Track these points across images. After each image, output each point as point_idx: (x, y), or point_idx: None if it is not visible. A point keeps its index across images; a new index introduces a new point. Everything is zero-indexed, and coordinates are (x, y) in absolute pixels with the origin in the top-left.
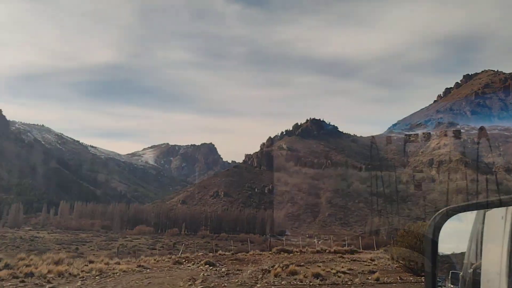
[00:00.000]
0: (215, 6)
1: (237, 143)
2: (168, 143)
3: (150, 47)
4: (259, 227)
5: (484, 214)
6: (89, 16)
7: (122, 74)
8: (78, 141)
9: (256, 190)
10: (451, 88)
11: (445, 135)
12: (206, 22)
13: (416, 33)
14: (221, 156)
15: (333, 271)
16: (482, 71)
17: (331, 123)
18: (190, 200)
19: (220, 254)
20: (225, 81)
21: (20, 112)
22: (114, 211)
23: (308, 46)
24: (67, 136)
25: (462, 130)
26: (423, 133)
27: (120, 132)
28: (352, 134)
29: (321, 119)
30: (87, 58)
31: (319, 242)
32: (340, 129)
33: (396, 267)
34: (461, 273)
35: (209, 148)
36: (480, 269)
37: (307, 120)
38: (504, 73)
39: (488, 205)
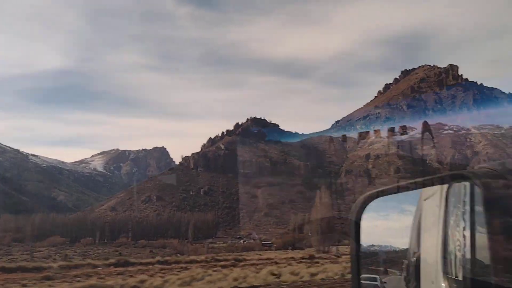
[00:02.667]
0: (165, 7)
1: (191, 146)
2: (118, 149)
3: (100, 51)
4: (186, 231)
5: (422, 203)
6: (34, 21)
7: (71, 80)
8: (18, 150)
9: (191, 192)
10: (390, 84)
11: (381, 130)
12: (157, 24)
13: (365, 32)
14: (173, 160)
15: None
16: (419, 67)
17: (272, 122)
18: (120, 207)
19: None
20: (179, 84)
21: None
22: (32, 222)
23: (262, 47)
24: (5, 145)
25: (398, 124)
26: (361, 129)
27: (69, 140)
28: (294, 132)
29: (263, 118)
30: (33, 64)
31: (244, 242)
32: (283, 128)
33: None
34: (406, 261)
35: (161, 152)
36: (420, 258)
37: (247, 119)
38: (439, 67)
39: (407, 188)
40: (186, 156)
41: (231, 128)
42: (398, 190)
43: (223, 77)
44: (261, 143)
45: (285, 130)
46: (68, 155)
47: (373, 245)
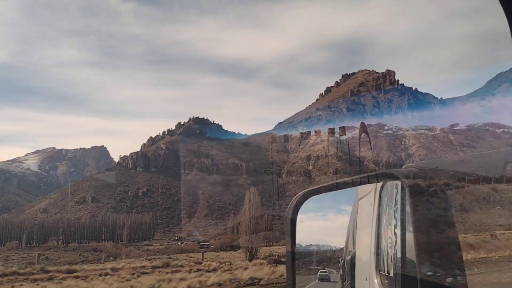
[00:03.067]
0: (108, 2)
1: (133, 146)
2: (54, 147)
3: (37, 45)
4: (122, 233)
5: (358, 202)
6: None
7: (4, 74)
8: None
9: (129, 193)
10: (331, 87)
11: (322, 132)
12: (99, 20)
13: (310, 36)
14: (114, 160)
15: None
16: (359, 71)
17: (215, 122)
18: (53, 208)
19: None
20: (121, 81)
21: None
22: None
23: (207, 47)
24: None
25: (338, 126)
26: (302, 131)
27: (1, 137)
28: (237, 132)
29: (205, 118)
30: None
31: (182, 244)
32: (226, 128)
33: None
34: (341, 260)
35: (101, 151)
36: (355, 255)
37: (189, 119)
38: (377, 72)
39: (337, 186)
40: (124, 156)
41: (173, 127)
42: (333, 188)
43: (167, 76)
44: (203, 143)
45: (228, 130)
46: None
47: (310, 245)
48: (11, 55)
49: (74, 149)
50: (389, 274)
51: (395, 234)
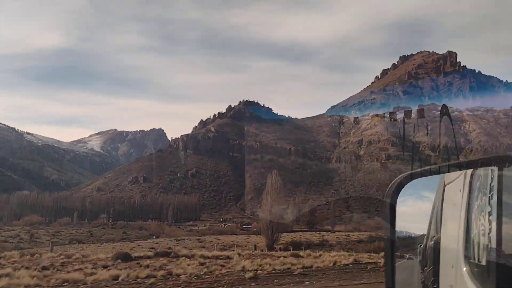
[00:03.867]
0: None
1: (188, 128)
2: (116, 129)
3: (100, 31)
4: (168, 213)
5: (444, 188)
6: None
7: (71, 59)
8: (13, 128)
9: (179, 174)
10: (388, 69)
11: (376, 116)
12: (158, 5)
13: (367, 17)
14: (171, 142)
15: None
16: (417, 53)
17: (265, 105)
18: (107, 187)
19: None
20: (178, 66)
21: None
22: (12, 200)
23: (262, 31)
24: (0, 123)
25: (393, 111)
26: (355, 115)
27: (68, 119)
28: (287, 116)
29: (256, 101)
30: (34, 43)
31: (225, 226)
32: (276, 111)
33: None
34: (421, 245)
35: (159, 134)
36: (440, 242)
37: (239, 102)
38: (437, 54)
39: (449, 169)
40: (176, 138)
41: (224, 111)
42: (435, 171)
43: (222, 61)
44: (252, 126)
45: (279, 114)
46: (66, 135)
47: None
48: (77, 41)
49: (134, 131)
50: (480, 262)
51: (489, 221)
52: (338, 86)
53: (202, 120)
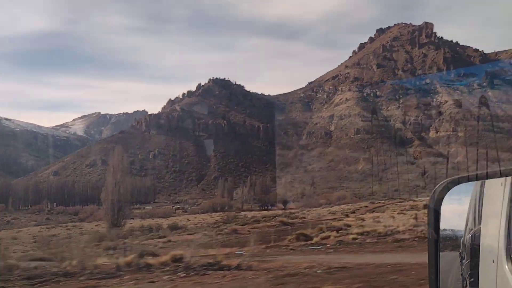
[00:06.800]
0: None
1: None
2: (99, 112)
3: (86, 12)
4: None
5: (485, 181)
6: None
7: (52, 42)
8: None
9: (140, 156)
10: (365, 43)
11: (349, 90)
12: None
13: None
14: (133, 123)
15: None
16: (394, 25)
17: (236, 83)
18: (64, 171)
19: None
20: (167, 46)
21: None
22: None
23: (252, 8)
24: None
25: (365, 85)
26: (328, 91)
27: (52, 103)
28: (260, 93)
29: (226, 78)
30: (15, 26)
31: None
32: (249, 89)
33: None
34: (461, 239)
35: (143, 116)
36: (479, 234)
37: (209, 80)
38: (413, 25)
39: (488, 176)
40: (140, 119)
41: (194, 89)
42: (480, 177)
43: (211, 39)
44: (222, 105)
45: (251, 91)
46: (49, 120)
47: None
48: (60, 23)
49: (117, 114)
50: None
51: None
52: (321, 63)
53: (170, 100)
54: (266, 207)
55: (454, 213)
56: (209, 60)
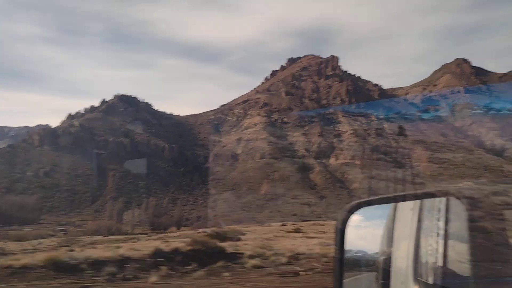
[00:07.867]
0: None
1: None
2: None
3: None
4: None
5: (396, 205)
6: None
7: None
8: None
9: (27, 173)
10: (277, 70)
11: (258, 115)
12: None
13: (275, 23)
14: (25, 137)
15: None
16: (304, 56)
17: (144, 101)
18: None
19: None
20: (78, 60)
21: None
22: None
23: (172, 28)
24: None
25: (273, 111)
26: (238, 114)
27: None
28: (168, 113)
29: (132, 96)
30: None
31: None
32: (157, 108)
33: None
34: (377, 260)
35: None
36: (391, 257)
37: (114, 96)
38: (321, 58)
39: (396, 199)
40: (32, 132)
41: (97, 105)
42: (386, 200)
43: (126, 56)
44: (125, 122)
45: (159, 110)
46: None
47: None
48: None
49: (18, 127)
50: (427, 281)
51: (437, 242)
52: (235, 87)
53: (70, 114)
54: (159, 230)
55: (361, 234)
56: (121, 77)
